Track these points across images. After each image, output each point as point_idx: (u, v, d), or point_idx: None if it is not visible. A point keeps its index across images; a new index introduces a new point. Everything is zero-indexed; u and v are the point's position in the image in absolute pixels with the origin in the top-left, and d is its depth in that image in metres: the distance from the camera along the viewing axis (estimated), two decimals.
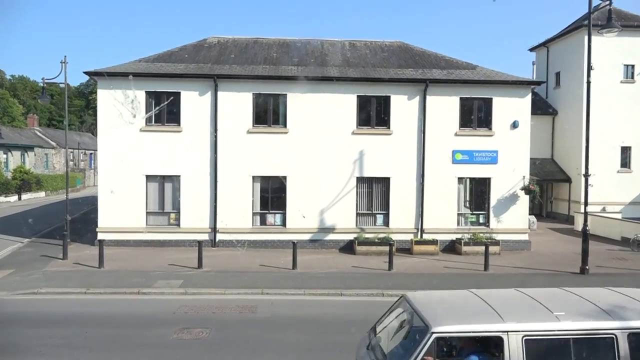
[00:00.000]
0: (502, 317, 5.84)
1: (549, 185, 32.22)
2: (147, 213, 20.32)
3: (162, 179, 20.40)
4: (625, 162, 30.53)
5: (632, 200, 30.30)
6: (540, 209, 32.31)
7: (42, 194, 44.95)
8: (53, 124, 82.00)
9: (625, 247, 22.17)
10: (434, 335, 5.59)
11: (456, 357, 6.08)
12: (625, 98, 29.92)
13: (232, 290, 14.06)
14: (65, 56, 19.66)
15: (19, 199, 41.53)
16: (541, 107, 32.20)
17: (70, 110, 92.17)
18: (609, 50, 28.75)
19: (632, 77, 30.25)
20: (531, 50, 36.89)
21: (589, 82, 16.78)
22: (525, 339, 5.63)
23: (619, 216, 27.27)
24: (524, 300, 6.50)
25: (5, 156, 47.81)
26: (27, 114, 69.10)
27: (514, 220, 21.09)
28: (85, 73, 19.70)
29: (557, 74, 33.03)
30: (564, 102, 32.25)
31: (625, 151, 30.46)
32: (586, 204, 16.88)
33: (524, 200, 21.14)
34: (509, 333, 5.65)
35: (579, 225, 27.69)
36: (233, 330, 10.86)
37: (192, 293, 13.87)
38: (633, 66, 30.19)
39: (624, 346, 5.67)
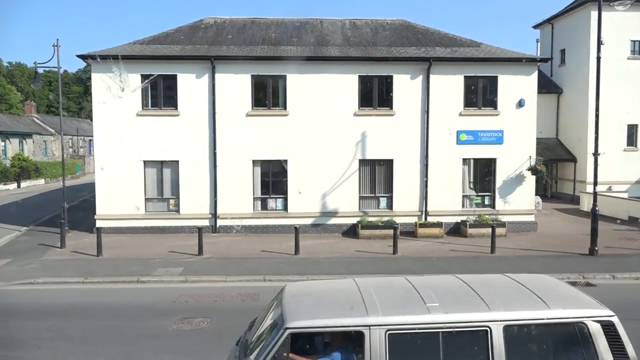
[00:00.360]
0: (367, 310, 5.35)
1: (553, 165, 31.71)
2: (146, 199, 19.93)
3: (161, 165, 19.96)
4: (632, 141, 29.98)
5: (638, 179, 29.81)
6: (545, 189, 31.84)
7: (41, 181, 44.59)
8: (52, 110, 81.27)
9: (633, 226, 21.78)
10: (288, 331, 5.16)
11: (321, 354, 5.57)
12: (632, 75, 29.22)
13: (233, 277, 13.73)
14: (57, 39, 19.16)
15: (18, 186, 41.17)
16: (546, 86, 31.51)
17: (68, 97, 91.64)
18: (616, 26, 27.99)
19: (639, 52, 29.54)
20: (535, 27, 36.06)
21: (598, 58, 16.27)
22: (389, 334, 5.14)
23: (626, 195, 26.85)
24: (409, 292, 5.88)
25: (3, 143, 47.36)
26: (25, 101, 68.40)
27: (520, 201, 20.67)
28: (79, 56, 19.13)
29: (562, 52, 32.30)
30: (569, 80, 31.58)
31: (632, 129, 29.88)
32: (595, 183, 16.43)
33: (531, 180, 20.69)
34: (370, 327, 5.17)
35: (584, 205, 27.32)
36: (234, 319, 10.49)
37: (193, 281, 13.54)
38: None
39: (498, 340, 5.16)
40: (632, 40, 29.38)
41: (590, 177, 29.26)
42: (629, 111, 29.16)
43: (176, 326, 10.05)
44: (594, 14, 28.80)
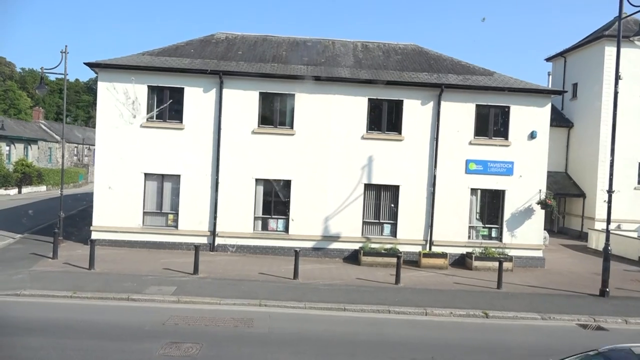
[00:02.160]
0: None
1: (561, 199, 31.08)
2: (144, 213, 19.44)
3: (162, 178, 19.52)
4: None
5: None
6: (552, 224, 31.17)
7: (43, 188, 44.27)
8: (61, 118, 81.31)
9: None
10: None
11: None
12: None
13: (227, 300, 13.12)
14: (66, 46, 18.92)
15: (19, 192, 40.83)
16: (556, 119, 31.10)
17: (78, 106, 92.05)
18: (629, 62, 27.62)
19: None
20: (548, 60, 35.86)
21: (616, 93, 15.86)
22: None
23: (635, 234, 26.17)
24: None
25: (7, 148, 47.17)
26: (34, 107, 68.55)
27: (528, 235, 20.06)
28: (86, 64, 18.87)
29: (574, 85, 31.98)
30: (581, 115, 31.19)
31: None
32: (609, 221, 15.84)
33: (540, 215, 20.11)
34: None
35: (592, 242, 26.66)
36: (226, 347, 9.92)
37: (185, 302, 12.94)
38: None
39: None
40: None
41: (599, 214, 28.88)
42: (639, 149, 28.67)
43: (163, 351, 9.45)
44: (609, 50, 28.70)
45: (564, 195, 30.49)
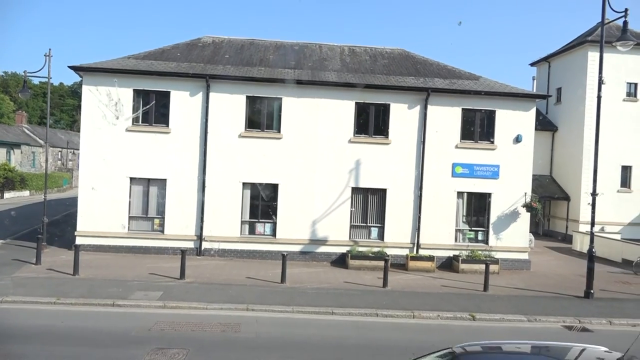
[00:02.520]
0: None
1: (546, 202, 31.42)
2: (130, 217, 19.24)
3: (147, 182, 19.34)
4: (625, 182, 29.89)
5: (631, 220, 29.62)
6: (537, 227, 31.49)
7: (26, 193, 43.62)
8: (44, 122, 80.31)
9: (627, 269, 21.39)
10: None
11: None
12: (627, 116, 29.34)
13: (214, 305, 13.01)
14: (49, 49, 18.72)
15: (1, 197, 40.18)
16: (541, 123, 31.48)
17: (62, 109, 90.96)
18: (612, 67, 28.10)
19: (635, 95, 29.72)
20: (532, 65, 36.35)
21: (599, 97, 16.04)
22: None
23: (618, 237, 26.56)
24: None
25: None
26: (17, 110, 67.60)
27: (514, 238, 20.22)
28: (71, 67, 18.64)
29: (559, 90, 32.43)
30: (565, 119, 31.62)
31: (626, 170, 29.83)
32: (593, 224, 16.01)
33: (525, 217, 20.29)
34: None
35: (577, 244, 26.97)
36: (213, 352, 9.82)
37: (172, 307, 12.81)
38: (636, 84, 29.67)
39: None
40: (628, 82, 29.60)
41: (583, 217, 29.24)
42: (623, 152, 29.13)
43: (149, 357, 9.32)
44: (592, 55, 29.15)
45: (548, 198, 30.84)
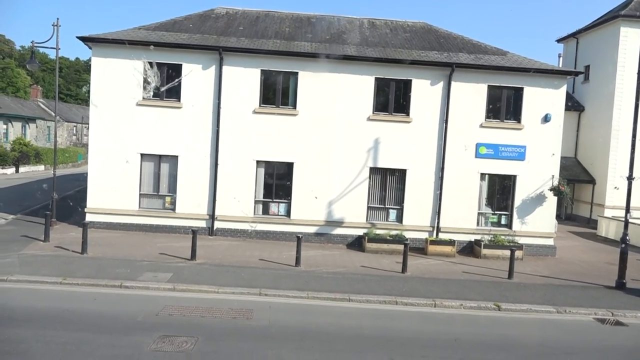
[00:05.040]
0: None
1: (570, 185, 30.26)
2: (141, 195, 18.69)
3: (159, 159, 18.73)
4: None
5: None
6: (559, 210, 30.42)
7: (41, 167, 43.56)
8: (60, 97, 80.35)
9: None
10: None
11: None
12: None
13: (226, 288, 12.42)
14: (57, 18, 18.01)
15: (17, 171, 40.13)
16: (566, 102, 29.93)
17: (78, 84, 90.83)
18: None
19: None
20: (559, 41, 34.78)
21: (639, 74, 14.74)
22: None
23: None
24: None
25: (5, 127, 46.36)
26: (33, 85, 67.46)
27: (539, 223, 19.30)
28: (79, 38, 17.92)
29: (587, 68, 30.94)
30: (593, 98, 30.22)
31: None
32: (628, 209, 15.04)
33: (552, 201, 19.33)
34: None
35: (602, 230, 25.95)
36: (223, 342, 9.22)
37: (181, 290, 12.25)
38: None
39: None
40: None
41: (609, 201, 28.18)
42: None
43: (155, 346, 8.76)
44: (624, 30, 27.63)
45: (573, 181, 29.65)
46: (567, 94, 30.65)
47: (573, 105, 30.76)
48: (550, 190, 19.01)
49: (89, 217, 18.15)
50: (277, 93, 18.84)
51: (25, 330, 9.09)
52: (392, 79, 18.87)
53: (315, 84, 18.60)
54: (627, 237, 15.03)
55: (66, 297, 11.33)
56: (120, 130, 18.33)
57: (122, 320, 9.98)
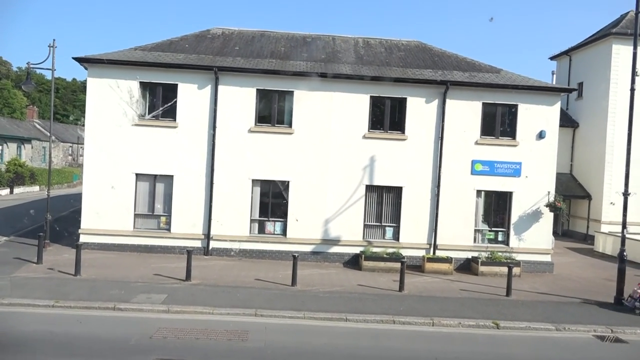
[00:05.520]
0: None
1: (566, 201, 30.26)
2: (136, 215, 18.57)
3: (154, 179, 18.65)
4: None
5: None
6: (555, 226, 30.39)
7: (36, 188, 43.38)
8: (56, 117, 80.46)
9: None
10: None
11: None
12: None
13: (221, 309, 12.26)
14: (54, 40, 18.04)
15: (11, 192, 39.93)
16: (561, 119, 29.82)
17: (75, 105, 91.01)
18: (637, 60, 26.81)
19: None
20: (552, 58, 35.13)
21: (632, 90, 14.87)
22: None
23: None
24: None
25: (0, 147, 46.26)
26: (29, 106, 67.56)
27: (536, 239, 19.25)
28: (75, 59, 17.98)
29: (580, 84, 31.21)
30: (586, 115, 30.44)
31: None
32: (624, 225, 15.03)
33: (548, 218, 19.31)
34: None
35: (599, 246, 25.90)
36: None
37: (176, 311, 12.08)
38: None
39: None
40: None
41: (605, 217, 28.18)
42: None
43: None
44: (616, 47, 27.98)
45: (569, 197, 29.65)
46: (561, 110, 30.93)
47: (567, 121, 30.95)
48: (547, 206, 19.00)
49: (83, 238, 18.00)
50: (273, 112, 18.88)
51: (14, 356, 8.91)
52: (387, 97, 18.96)
53: (310, 102, 18.67)
54: (625, 254, 14.98)
55: (58, 320, 11.14)
56: (115, 151, 18.29)
57: (115, 344, 9.81)
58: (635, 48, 14.72)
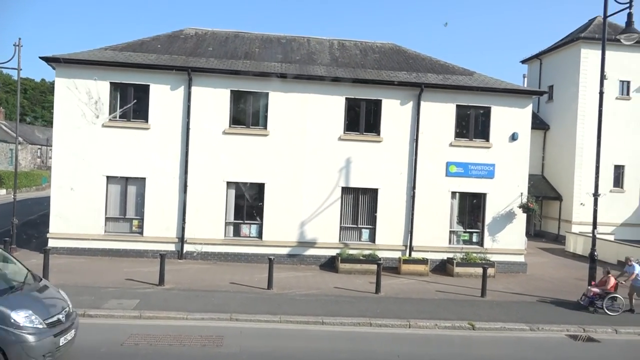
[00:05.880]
0: None
1: (538, 202, 30.83)
2: (107, 218, 18.11)
3: (125, 181, 18.22)
4: (618, 181, 29.45)
5: (624, 221, 29.20)
6: (528, 227, 30.90)
7: (2, 191, 42.06)
8: (24, 119, 78.36)
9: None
10: None
11: None
12: (620, 115, 28.87)
13: (195, 314, 12.00)
14: (19, 38, 17.51)
15: None
16: (532, 121, 30.59)
17: (43, 106, 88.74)
18: (605, 65, 27.48)
19: (628, 93, 29.24)
20: (523, 62, 35.80)
21: (601, 92, 15.23)
22: None
23: (612, 237, 26.04)
24: None
25: None
26: None
27: (510, 240, 19.50)
28: (42, 58, 17.45)
29: (550, 88, 31.86)
30: (557, 117, 31.08)
31: (618, 170, 29.39)
32: (595, 225, 15.32)
33: (521, 218, 19.58)
34: None
35: (570, 246, 26.40)
36: None
37: (148, 317, 11.77)
38: (629, 82, 29.20)
39: None
40: (620, 81, 29.09)
41: (576, 217, 28.78)
42: (615, 152, 28.57)
43: None
44: (585, 52, 28.65)
45: (540, 198, 30.23)
46: (533, 113, 31.19)
47: (538, 124, 31.53)
48: (520, 207, 19.28)
49: (51, 243, 17.47)
50: (248, 113, 18.68)
51: None
52: (362, 99, 18.96)
53: (286, 104, 18.53)
54: (596, 253, 15.27)
55: None
56: (85, 153, 17.81)
57: (84, 352, 9.46)
58: (603, 52, 15.06)
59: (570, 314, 13.96)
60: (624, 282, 15.03)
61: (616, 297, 14.33)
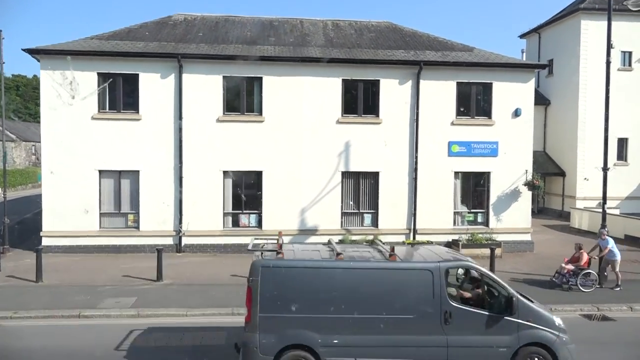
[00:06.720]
0: None
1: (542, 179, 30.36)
2: (101, 214, 17.60)
3: (119, 175, 17.68)
4: (622, 155, 28.91)
5: (629, 194, 28.70)
6: (532, 204, 30.45)
7: None
8: (19, 116, 77.46)
9: (633, 246, 20.36)
10: None
11: None
12: (622, 87, 28.12)
13: (195, 310, 11.56)
14: (0, 30, 16.79)
15: None
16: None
17: (37, 103, 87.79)
18: (605, 36, 26.83)
19: (630, 64, 28.56)
20: (521, 36, 35.00)
21: (608, 62, 14.69)
22: None
23: (617, 211, 25.59)
24: None
25: None
26: None
27: (515, 218, 19.04)
28: (25, 50, 16.77)
29: (550, 62, 31.09)
30: (558, 92, 30.43)
31: (622, 143, 28.83)
32: (604, 200, 14.82)
33: (527, 196, 19.11)
34: None
35: (575, 222, 25.97)
36: None
37: (146, 315, 11.32)
38: (630, 53, 28.49)
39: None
40: (622, 52, 28.36)
41: (580, 192, 28.28)
42: (618, 124, 27.96)
43: None
44: (585, 23, 27.89)
45: (543, 175, 29.64)
46: None
47: (539, 99, 30.83)
48: (525, 185, 18.79)
49: (45, 242, 17.00)
50: (242, 100, 18.07)
51: None
52: (359, 80, 18.34)
53: (280, 88, 17.91)
54: (606, 229, 14.77)
55: (17, 333, 10.26)
56: (75, 147, 17.25)
57: (79, 356, 9.02)
58: (609, 20, 14.45)
59: (583, 293, 13.51)
60: (596, 257, 14.52)
61: (589, 272, 13.91)
